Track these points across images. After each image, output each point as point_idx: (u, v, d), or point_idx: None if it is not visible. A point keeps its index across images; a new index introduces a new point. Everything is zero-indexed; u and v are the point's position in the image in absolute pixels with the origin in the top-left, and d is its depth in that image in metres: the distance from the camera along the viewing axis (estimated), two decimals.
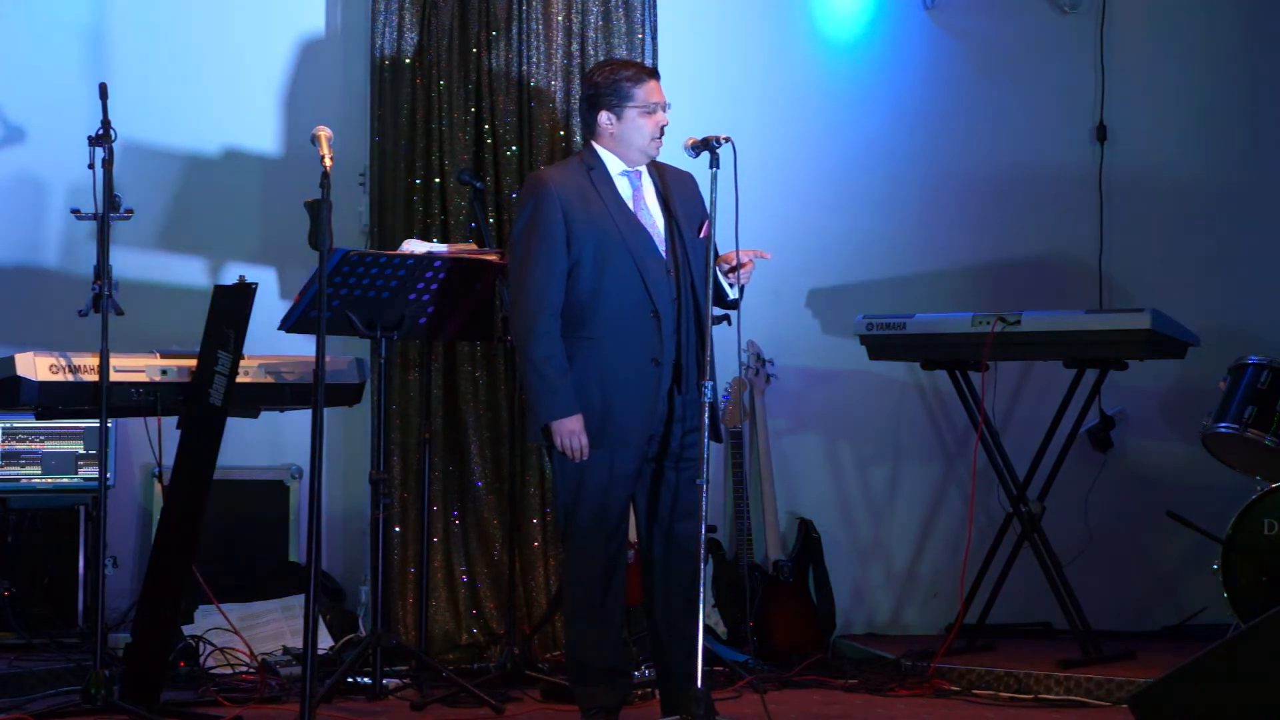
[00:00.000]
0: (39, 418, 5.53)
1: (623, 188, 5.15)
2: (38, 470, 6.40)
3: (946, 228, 7.26)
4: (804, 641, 6.49)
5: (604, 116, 5.13)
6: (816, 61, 7.24)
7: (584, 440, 4.98)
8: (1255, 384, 6.29)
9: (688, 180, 5.17)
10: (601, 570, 5.07)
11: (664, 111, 5.12)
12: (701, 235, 5.09)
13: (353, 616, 6.55)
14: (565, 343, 5.05)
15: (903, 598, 7.18)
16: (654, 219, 5.14)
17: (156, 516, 6.09)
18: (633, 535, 5.25)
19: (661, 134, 5.12)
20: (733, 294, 5.14)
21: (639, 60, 6.60)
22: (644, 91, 5.11)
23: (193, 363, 5.30)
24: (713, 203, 4.97)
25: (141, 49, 6.72)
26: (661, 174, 5.21)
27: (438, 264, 5.68)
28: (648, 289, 5.03)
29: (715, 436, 5.06)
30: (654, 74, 5.19)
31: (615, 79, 5.14)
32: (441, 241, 6.30)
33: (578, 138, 6.67)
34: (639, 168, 5.17)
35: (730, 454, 6.56)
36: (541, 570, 6.56)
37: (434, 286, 5.72)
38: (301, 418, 5.48)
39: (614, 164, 5.16)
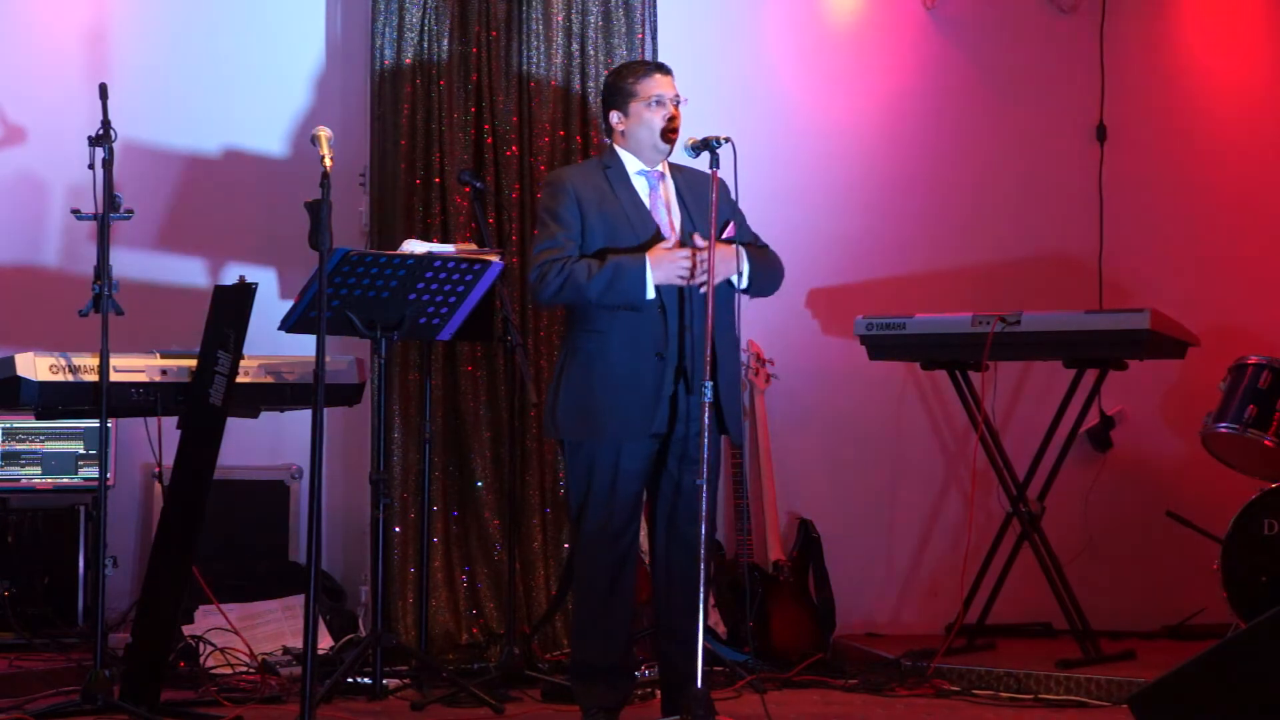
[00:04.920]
0: (39, 418, 5.53)
1: (640, 186, 5.17)
2: (38, 470, 6.41)
3: (946, 228, 7.26)
4: (804, 641, 6.48)
5: (614, 116, 5.21)
6: (816, 61, 7.24)
7: (678, 251, 4.96)
8: (1255, 384, 6.29)
9: (719, 184, 5.07)
10: (608, 569, 5.07)
11: (674, 105, 5.13)
12: (724, 237, 5.08)
13: (353, 616, 6.55)
14: (574, 336, 5.13)
15: (903, 598, 7.18)
16: (669, 218, 5.16)
17: (156, 516, 6.09)
18: (642, 537, 5.26)
19: (673, 127, 5.12)
20: (740, 283, 5.13)
21: (642, 59, 6.61)
22: (647, 85, 5.13)
23: (193, 363, 5.30)
24: (714, 203, 4.96)
25: (142, 49, 6.72)
26: (683, 176, 5.23)
27: (438, 264, 5.68)
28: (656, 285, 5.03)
29: (723, 431, 5.06)
30: (662, 69, 5.19)
31: (621, 77, 5.22)
32: (441, 241, 6.30)
33: (578, 137, 6.68)
34: (658, 168, 5.19)
35: (730, 454, 6.56)
36: (541, 570, 6.56)
37: (434, 286, 5.72)
38: (301, 418, 5.48)
39: (631, 163, 5.19)
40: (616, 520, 5.06)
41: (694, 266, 4.99)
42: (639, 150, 5.18)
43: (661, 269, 4.99)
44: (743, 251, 5.09)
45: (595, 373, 5.07)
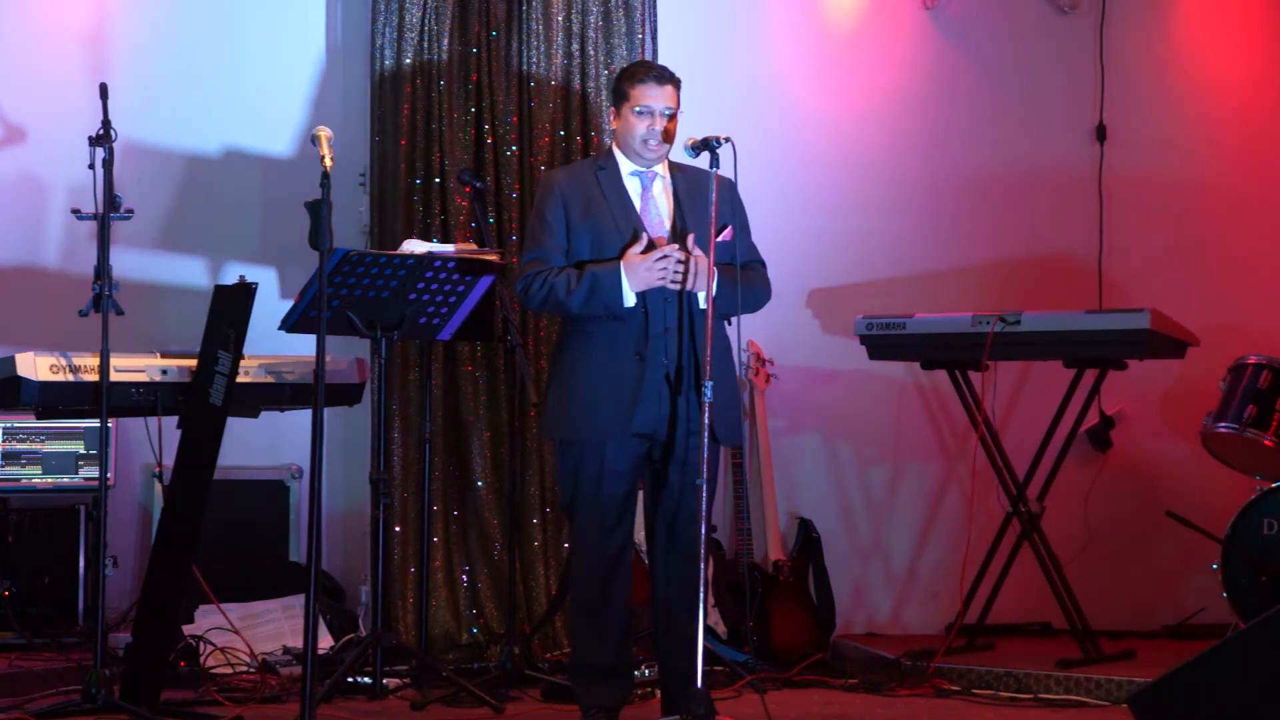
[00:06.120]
0: (39, 418, 5.53)
1: (632, 187, 5.17)
2: (38, 470, 6.41)
3: (946, 228, 7.26)
4: (804, 641, 6.48)
5: (610, 114, 5.22)
6: (817, 61, 7.24)
7: (651, 255, 4.96)
8: (1255, 384, 6.29)
9: (720, 184, 5.03)
10: (601, 568, 5.07)
11: (662, 116, 5.10)
12: (721, 238, 5.07)
13: (353, 616, 6.55)
14: (563, 337, 5.18)
15: (903, 598, 7.18)
16: (661, 219, 5.15)
17: (156, 516, 6.09)
18: (640, 537, 5.24)
19: (659, 138, 5.10)
20: (699, 303, 5.06)
21: (642, 59, 6.61)
22: (638, 92, 5.11)
23: (193, 363, 5.30)
24: (714, 202, 4.96)
25: (142, 48, 6.72)
26: (684, 176, 5.21)
27: (438, 264, 5.68)
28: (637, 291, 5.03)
29: (713, 438, 5.02)
30: (660, 77, 5.12)
31: (621, 77, 5.22)
32: (442, 241, 6.30)
33: (578, 137, 6.68)
34: (653, 169, 5.18)
35: (730, 454, 6.55)
36: (541, 570, 6.56)
37: (434, 286, 5.72)
38: (301, 418, 5.48)
39: (625, 164, 5.18)
40: (606, 519, 5.06)
41: (685, 271, 4.97)
42: (627, 152, 5.18)
43: (637, 276, 4.99)
44: (714, 272, 4.98)
45: (578, 372, 5.09)
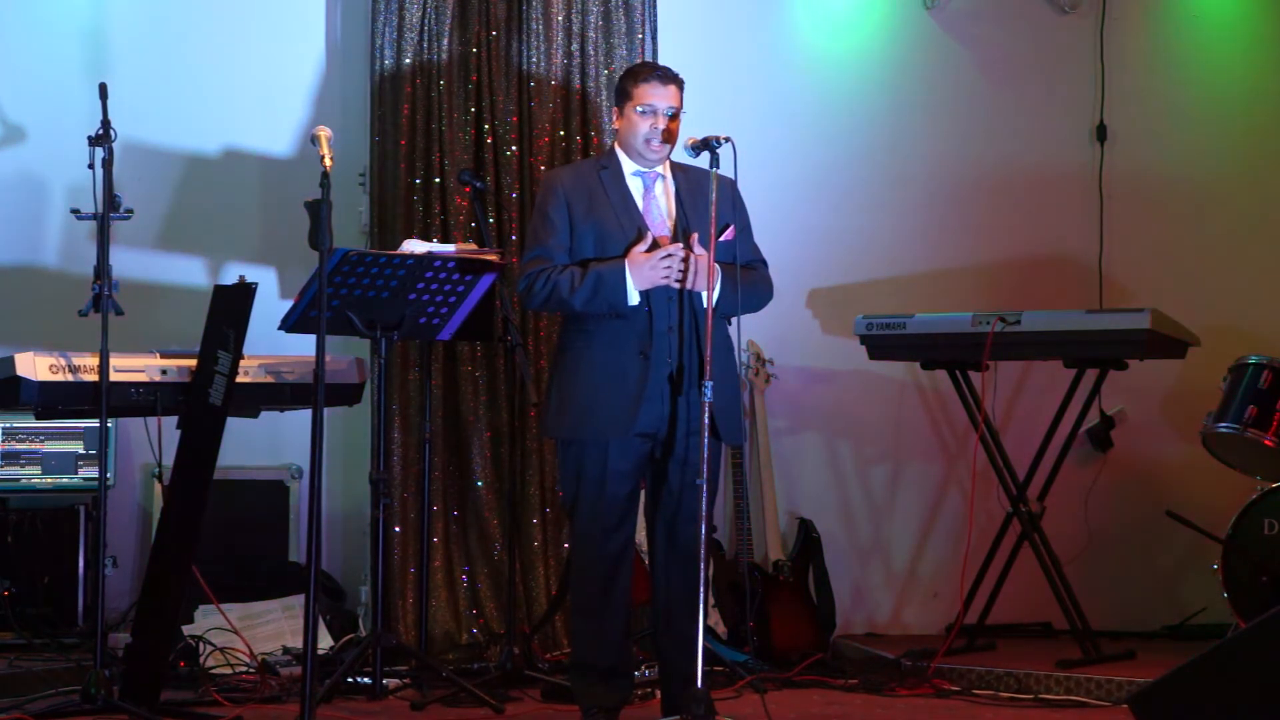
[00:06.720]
0: (39, 418, 5.52)
1: (634, 187, 5.17)
2: (38, 470, 6.40)
3: (946, 228, 7.26)
4: (804, 641, 6.48)
5: (614, 114, 5.22)
6: (817, 60, 7.24)
7: (655, 254, 4.97)
8: (1255, 384, 6.29)
9: (722, 184, 5.03)
10: (601, 568, 5.07)
11: (664, 116, 5.11)
12: (723, 238, 5.07)
13: (353, 616, 6.55)
14: (565, 335, 5.17)
15: (903, 598, 7.18)
16: (663, 219, 5.15)
17: (156, 516, 6.09)
18: (640, 537, 5.24)
19: (662, 138, 5.10)
20: (703, 302, 5.06)
21: (642, 59, 6.61)
22: (641, 91, 5.12)
23: (193, 363, 5.30)
24: (714, 202, 4.95)
25: (141, 48, 6.72)
26: (686, 176, 5.21)
27: (438, 264, 5.68)
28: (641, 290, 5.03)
29: (716, 436, 5.03)
30: (664, 77, 5.14)
31: (624, 77, 5.23)
32: (442, 242, 6.30)
33: (578, 137, 6.69)
34: (655, 169, 5.18)
35: (730, 454, 6.55)
36: (541, 570, 6.56)
37: (434, 286, 5.72)
38: (301, 418, 5.48)
39: (628, 164, 5.18)
40: (608, 519, 5.06)
41: (686, 269, 4.98)
42: (630, 151, 5.18)
43: (641, 274, 4.99)
44: (718, 271, 5.01)
45: (580, 371, 5.09)
